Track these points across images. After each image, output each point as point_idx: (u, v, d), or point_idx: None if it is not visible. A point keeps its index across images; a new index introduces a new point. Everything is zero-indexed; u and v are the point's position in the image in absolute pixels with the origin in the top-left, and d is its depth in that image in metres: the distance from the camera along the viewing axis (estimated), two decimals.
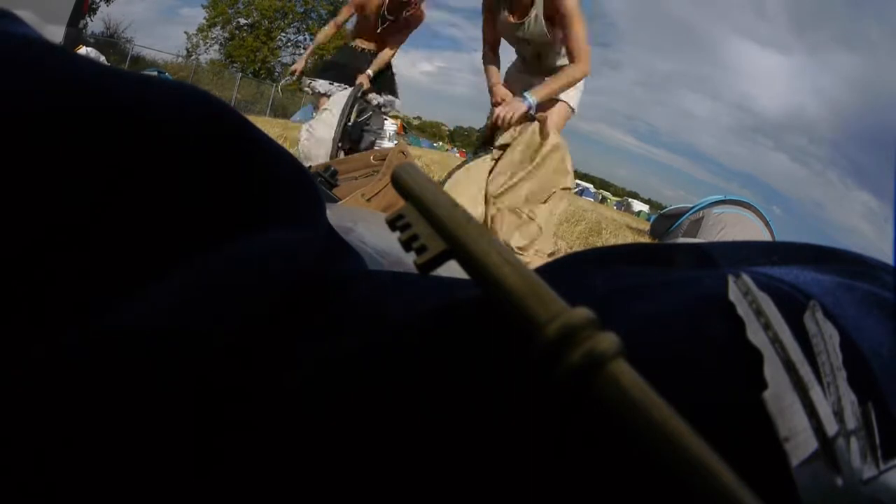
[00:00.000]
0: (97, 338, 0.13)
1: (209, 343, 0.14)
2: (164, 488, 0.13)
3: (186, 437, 0.13)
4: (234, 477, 0.13)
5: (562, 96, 1.48)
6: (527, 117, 1.34)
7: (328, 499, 0.12)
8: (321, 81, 2.16)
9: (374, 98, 2.11)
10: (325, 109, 1.89)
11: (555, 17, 1.35)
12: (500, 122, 1.33)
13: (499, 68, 1.61)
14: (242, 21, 19.51)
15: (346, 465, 0.13)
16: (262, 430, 0.14)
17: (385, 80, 2.16)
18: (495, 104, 1.46)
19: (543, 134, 1.29)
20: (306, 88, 2.26)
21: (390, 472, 0.12)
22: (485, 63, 1.60)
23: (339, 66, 2.16)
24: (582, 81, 1.47)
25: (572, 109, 1.53)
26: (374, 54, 2.10)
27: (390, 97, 2.17)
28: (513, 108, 1.33)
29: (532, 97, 1.33)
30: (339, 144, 1.86)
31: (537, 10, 1.39)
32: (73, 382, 0.12)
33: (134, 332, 0.13)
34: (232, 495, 0.13)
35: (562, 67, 1.42)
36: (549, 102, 1.46)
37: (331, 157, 1.80)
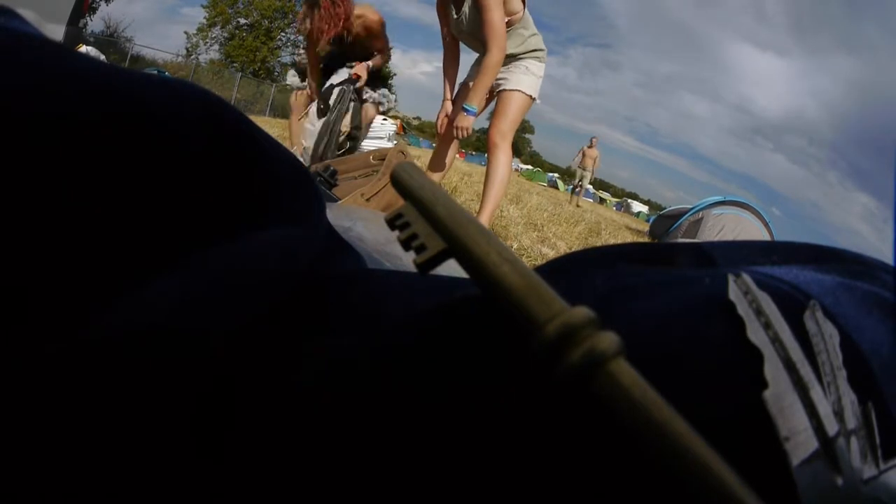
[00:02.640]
0: (96, 338, 0.13)
1: (209, 342, 0.14)
2: (167, 486, 0.13)
3: (188, 436, 0.13)
4: (236, 476, 0.13)
5: (516, 87, 1.50)
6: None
7: (329, 497, 0.12)
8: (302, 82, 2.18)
9: (369, 94, 2.08)
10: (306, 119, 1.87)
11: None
12: (460, 136, 1.49)
13: (456, 71, 1.67)
14: (242, 21, 19.52)
15: (346, 465, 0.13)
16: (262, 429, 0.14)
17: (373, 77, 2.13)
18: (442, 119, 1.62)
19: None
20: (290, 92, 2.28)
21: (390, 472, 0.12)
22: (443, 66, 1.66)
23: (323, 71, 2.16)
24: (540, 68, 1.52)
25: (531, 97, 1.52)
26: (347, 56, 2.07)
27: (384, 90, 2.14)
28: (463, 124, 1.46)
29: (471, 106, 1.45)
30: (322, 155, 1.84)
31: (469, 2, 1.43)
32: (80, 380, 0.12)
33: (134, 332, 0.13)
34: (233, 493, 0.13)
35: (515, 56, 1.49)
36: (506, 95, 1.50)
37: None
